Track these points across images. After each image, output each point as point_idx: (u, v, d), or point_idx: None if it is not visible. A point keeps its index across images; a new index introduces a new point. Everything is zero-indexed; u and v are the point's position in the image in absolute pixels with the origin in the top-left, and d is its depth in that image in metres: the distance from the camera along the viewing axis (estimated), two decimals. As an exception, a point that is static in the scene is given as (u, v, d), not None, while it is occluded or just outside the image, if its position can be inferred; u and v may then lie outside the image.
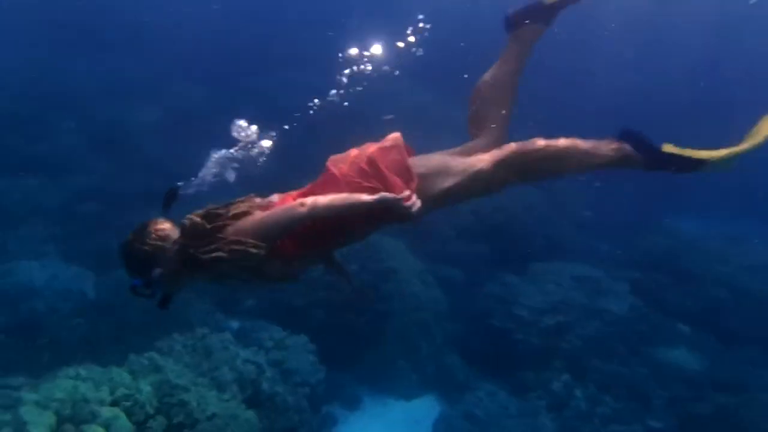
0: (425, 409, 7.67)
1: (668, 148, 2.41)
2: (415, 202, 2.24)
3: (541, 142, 2.41)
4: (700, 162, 2.37)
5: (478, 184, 2.40)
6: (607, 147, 2.43)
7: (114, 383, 5.23)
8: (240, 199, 2.35)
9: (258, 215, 2.24)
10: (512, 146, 2.43)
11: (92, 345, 7.20)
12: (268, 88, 13.62)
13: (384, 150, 2.45)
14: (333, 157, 2.50)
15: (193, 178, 2.60)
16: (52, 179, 10.14)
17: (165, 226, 2.29)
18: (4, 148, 10.65)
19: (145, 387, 5.22)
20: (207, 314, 8.37)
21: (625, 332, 8.50)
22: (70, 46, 15.54)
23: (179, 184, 2.43)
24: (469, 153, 2.55)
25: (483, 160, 2.42)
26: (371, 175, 2.36)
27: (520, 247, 10.43)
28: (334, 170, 2.41)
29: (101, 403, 4.94)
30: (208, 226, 2.20)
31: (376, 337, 8.07)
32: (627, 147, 2.43)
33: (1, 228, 8.95)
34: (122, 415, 4.88)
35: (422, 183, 2.37)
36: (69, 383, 5.12)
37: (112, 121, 11.94)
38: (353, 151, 2.50)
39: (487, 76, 2.66)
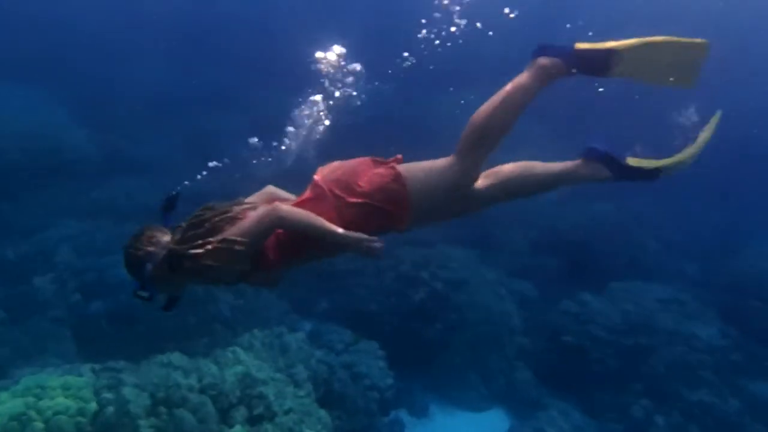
0: (494, 422, 7.56)
1: (632, 161, 2.54)
2: (379, 247, 2.30)
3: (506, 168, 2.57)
4: (658, 170, 2.53)
5: (447, 180, 2.46)
6: (573, 164, 2.56)
7: (201, 372, 5.61)
8: (228, 202, 2.43)
9: (238, 222, 2.30)
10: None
11: (181, 336, 7.73)
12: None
13: (374, 166, 2.47)
14: (322, 168, 2.53)
15: (186, 183, 2.71)
16: (153, 180, 11.02)
17: (156, 232, 2.35)
18: (113, 150, 11.72)
19: (229, 378, 5.55)
20: (283, 314, 8.77)
21: (715, 360, 7.93)
22: (167, 55, 16.74)
23: (178, 189, 2.53)
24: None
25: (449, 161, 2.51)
26: (357, 191, 2.39)
27: (599, 264, 10.04)
28: (322, 185, 2.44)
29: (190, 389, 5.31)
30: (199, 231, 2.28)
31: (446, 347, 8.07)
32: (592, 163, 2.54)
33: (107, 223, 9.83)
34: (209, 402, 5.22)
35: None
36: (163, 369, 5.56)
37: (205, 128, 12.81)
38: (343, 163, 2.52)
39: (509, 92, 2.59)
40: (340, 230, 2.29)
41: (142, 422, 4.81)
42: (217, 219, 2.31)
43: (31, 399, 4.82)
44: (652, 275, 9.97)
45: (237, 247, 2.20)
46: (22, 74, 12.97)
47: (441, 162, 2.48)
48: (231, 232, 2.24)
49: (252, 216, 2.28)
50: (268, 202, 2.46)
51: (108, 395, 5.06)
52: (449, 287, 8.89)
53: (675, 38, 2.39)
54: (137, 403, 4.97)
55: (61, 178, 9.94)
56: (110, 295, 8.24)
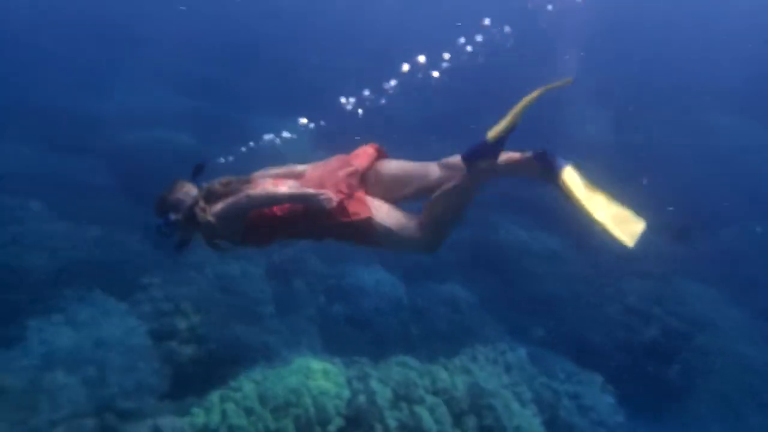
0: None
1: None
2: (331, 198, 2.67)
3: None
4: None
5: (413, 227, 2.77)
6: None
7: (434, 376, 6.01)
8: (238, 177, 2.88)
9: (231, 196, 2.75)
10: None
11: (406, 342, 8.38)
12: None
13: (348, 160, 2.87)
14: (311, 173, 2.92)
15: (222, 159, 3.12)
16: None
17: (188, 187, 2.83)
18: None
19: (460, 385, 5.82)
20: (499, 335, 8.84)
21: None
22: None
23: (205, 159, 2.96)
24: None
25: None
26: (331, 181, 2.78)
27: None
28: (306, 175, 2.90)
29: (426, 390, 5.73)
30: (219, 189, 2.77)
31: (688, 393, 7.16)
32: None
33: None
34: (443, 405, 5.55)
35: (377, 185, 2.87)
36: (400, 369, 6.11)
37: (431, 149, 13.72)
38: (330, 161, 2.91)
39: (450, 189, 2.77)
40: (296, 190, 2.72)
41: (387, 413, 5.36)
42: (223, 190, 2.80)
43: (302, 378, 5.77)
44: None
45: (221, 216, 2.70)
46: (279, 108, 15.66)
47: (412, 227, 2.76)
48: (219, 205, 2.73)
49: (235, 195, 2.75)
50: (280, 177, 2.97)
51: (358, 385, 5.76)
52: (688, 326, 7.93)
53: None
54: (382, 395, 5.55)
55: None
56: (347, 300, 9.39)
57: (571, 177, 2.47)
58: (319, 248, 10.86)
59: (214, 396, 5.64)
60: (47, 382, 5.50)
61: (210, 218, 2.67)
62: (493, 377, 6.34)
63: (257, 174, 3.00)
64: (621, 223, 2.34)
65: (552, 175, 2.51)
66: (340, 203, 2.71)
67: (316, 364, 6.04)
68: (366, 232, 2.74)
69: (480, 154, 2.58)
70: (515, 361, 6.97)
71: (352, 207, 2.73)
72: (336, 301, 9.27)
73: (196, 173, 2.91)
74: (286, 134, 3.79)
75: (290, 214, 2.74)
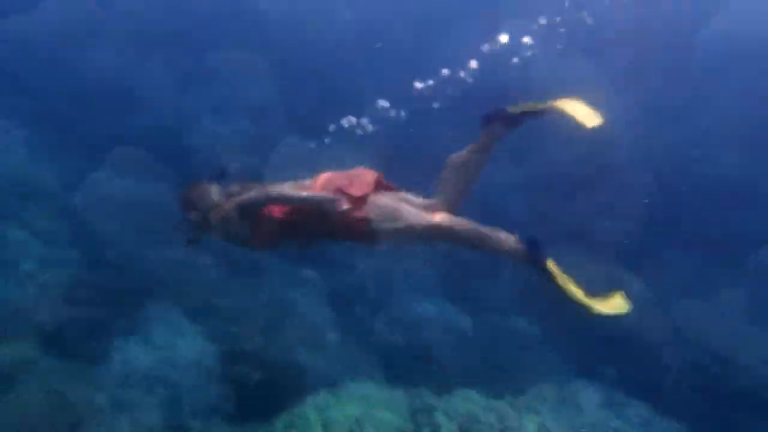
0: None
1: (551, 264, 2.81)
2: (341, 202, 2.75)
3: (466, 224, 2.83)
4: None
5: (421, 233, 2.83)
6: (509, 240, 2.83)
7: (500, 413, 5.83)
8: (258, 182, 2.96)
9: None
10: (455, 220, 2.84)
11: (469, 376, 8.16)
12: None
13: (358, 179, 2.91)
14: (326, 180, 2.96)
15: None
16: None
17: (210, 188, 2.95)
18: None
19: (529, 426, 5.61)
20: (566, 374, 8.45)
21: None
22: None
23: (225, 165, 3.10)
24: (427, 206, 2.95)
25: (434, 218, 2.83)
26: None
27: None
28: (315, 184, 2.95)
29: (492, 427, 5.57)
30: (236, 191, 2.88)
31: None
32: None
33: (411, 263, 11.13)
34: (510, 445, 5.36)
35: (375, 215, 2.82)
36: (465, 403, 5.98)
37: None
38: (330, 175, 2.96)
39: (461, 155, 2.97)
40: (311, 193, 2.81)
41: (452, 449, 5.24)
42: (240, 191, 2.91)
43: (364, 407, 5.77)
44: None
45: (237, 209, 2.80)
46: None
47: (419, 213, 2.83)
48: (235, 200, 2.84)
49: (252, 192, 2.86)
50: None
51: (422, 418, 5.69)
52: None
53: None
54: (447, 428, 5.44)
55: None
56: (408, 330, 9.33)
57: (554, 266, 2.82)
58: (382, 276, 10.92)
59: (279, 421, 5.73)
60: (127, 399, 5.80)
61: (228, 212, 2.83)
62: (563, 418, 6.07)
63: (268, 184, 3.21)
64: (604, 302, 2.74)
65: (539, 260, 2.81)
66: (348, 209, 2.79)
67: (378, 394, 6.04)
68: (368, 236, 2.86)
69: (497, 116, 2.83)
70: (586, 403, 6.65)
71: (358, 211, 2.82)
72: (397, 331, 9.24)
73: (219, 177, 3.07)
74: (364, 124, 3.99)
75: (298, 215, 2.86)
